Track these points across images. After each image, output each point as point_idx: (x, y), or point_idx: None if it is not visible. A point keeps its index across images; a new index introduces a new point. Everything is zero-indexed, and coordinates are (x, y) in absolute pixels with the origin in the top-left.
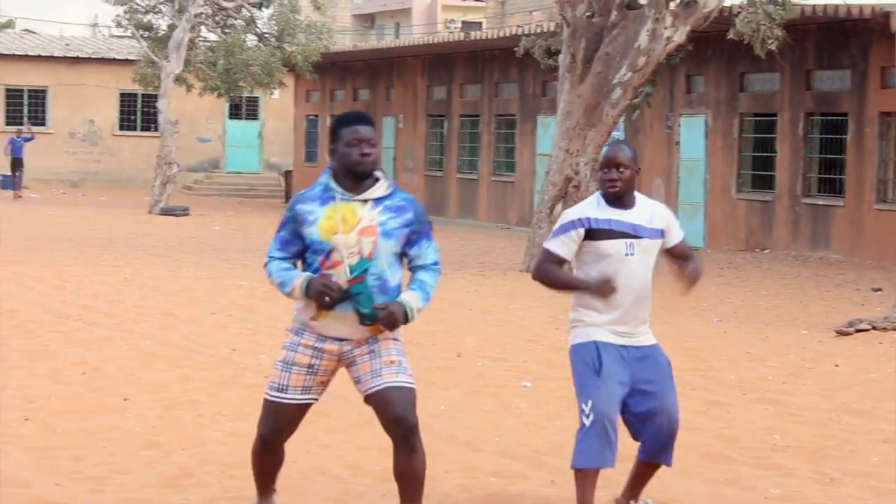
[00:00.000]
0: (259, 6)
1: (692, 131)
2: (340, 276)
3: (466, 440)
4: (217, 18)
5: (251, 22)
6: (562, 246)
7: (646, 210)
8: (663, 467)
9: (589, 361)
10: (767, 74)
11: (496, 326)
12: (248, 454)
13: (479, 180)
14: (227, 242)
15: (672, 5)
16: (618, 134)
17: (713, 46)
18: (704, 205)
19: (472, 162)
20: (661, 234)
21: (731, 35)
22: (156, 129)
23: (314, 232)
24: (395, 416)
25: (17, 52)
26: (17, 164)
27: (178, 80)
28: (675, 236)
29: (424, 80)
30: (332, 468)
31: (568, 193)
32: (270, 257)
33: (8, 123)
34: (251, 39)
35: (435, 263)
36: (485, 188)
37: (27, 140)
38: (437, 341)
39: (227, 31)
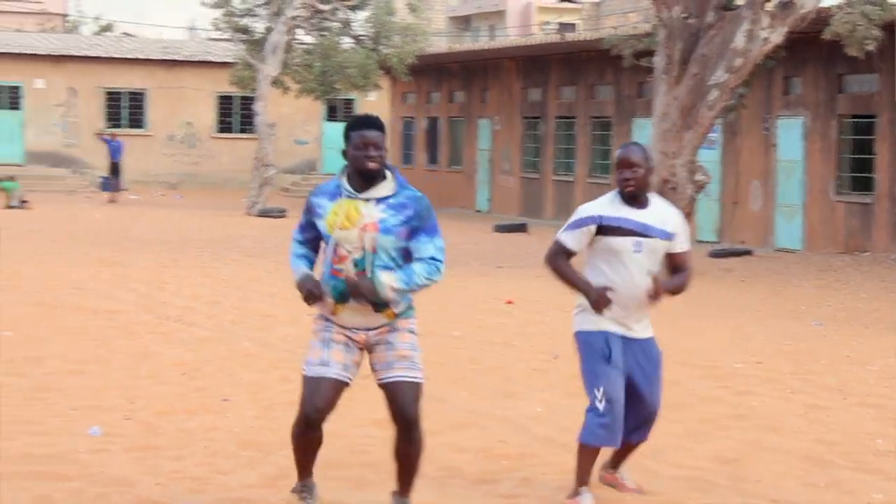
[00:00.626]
0: (355, 9)
1: (790, 133)
2: (349, 270)
3: (563, 442)
4: (313, 21)
5: (347, 24)
6: (573, 239)
7: (659, 212)
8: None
9: (598, 349)
10: (866, 76)
11: None
12: (344, 455)
13: (574, 182)
14: None
15: (769, 6)
16: (715, 136)
17: (811, 47)
18: (803, 207)
19: (567, 164)
20: (671, 237)
21: (826, 35)
22: (253, 132)
23: (322, 225)
24: (401, 410)
25: (116, 56)
26: (115, 168)
27: (275, 82)
28: (681, 245)
29: (520, 81)
30: (429, 470)
31: (664, 195)
32: (294, 239)
33: (108, 126)
34: (347, 42)
35: (432, 258)
36: (581, 190)
37: (114, 145)
38: (533, 343)
39: (323, 33)
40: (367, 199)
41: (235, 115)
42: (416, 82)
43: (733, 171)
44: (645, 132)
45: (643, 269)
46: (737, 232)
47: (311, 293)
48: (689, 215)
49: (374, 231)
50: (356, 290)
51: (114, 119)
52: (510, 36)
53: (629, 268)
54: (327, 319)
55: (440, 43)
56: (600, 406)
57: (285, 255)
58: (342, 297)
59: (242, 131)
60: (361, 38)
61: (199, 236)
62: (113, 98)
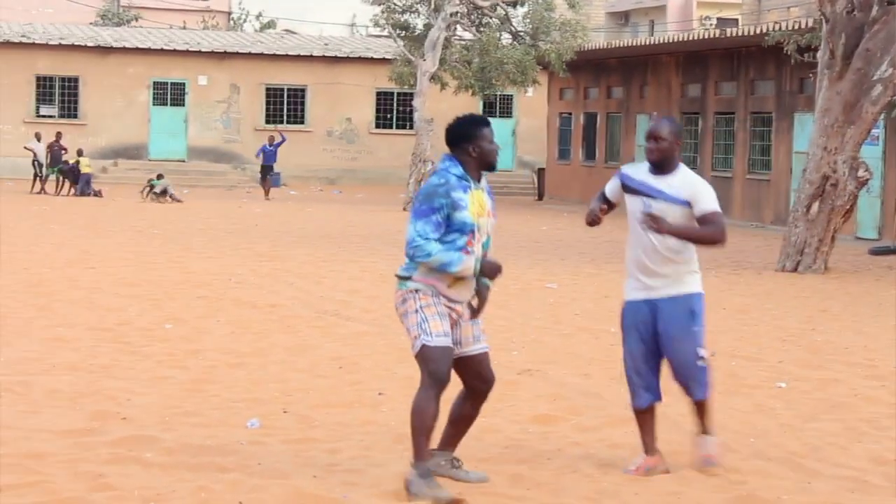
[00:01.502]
0: (514, 5)
1: None
2: (477, 252)
3: (720, 440)
4: (472, 17)
5: (506, 20)
6: (609, 188)
7: (678, 181)
8: None
9: (622, 322)
10: None
11: (750, 326)
12: (501, 451)
13: (733, 178)
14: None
15: None
16: (877, 132)
17: None
18: None
19: (726, 159)
20: (686, 204)
21: None
22: (411, 127)
23: (466, 216)
24: (488, 376)
25: (277, 52)
26: (266, 170)
27: (434, 78)
28: (702, 208)
29: (679, 77)
30: (584, 466)
31: (825, 192)
32: (427, 238)
33: (268, 122)
34: (506, 38)
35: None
36: (740, 186)
37: (279, 144)
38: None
39: (481, 29)
40: (482, 189)
41: (394, 111)
42: (573, 78)
43: None
44: (806, 128)
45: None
46: None
47: (498, 270)
48: (849, 212)
49: (491, 216)
50: (500, 270)
51: (274, 115)
52: (669, 31)
53: (639, 227)
54: (435, 295)
55: (599, 38)
56: (626, 373)
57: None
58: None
59: (400, 127)
60: (520, 33)
61: (357, 231)
62: (274, 94)
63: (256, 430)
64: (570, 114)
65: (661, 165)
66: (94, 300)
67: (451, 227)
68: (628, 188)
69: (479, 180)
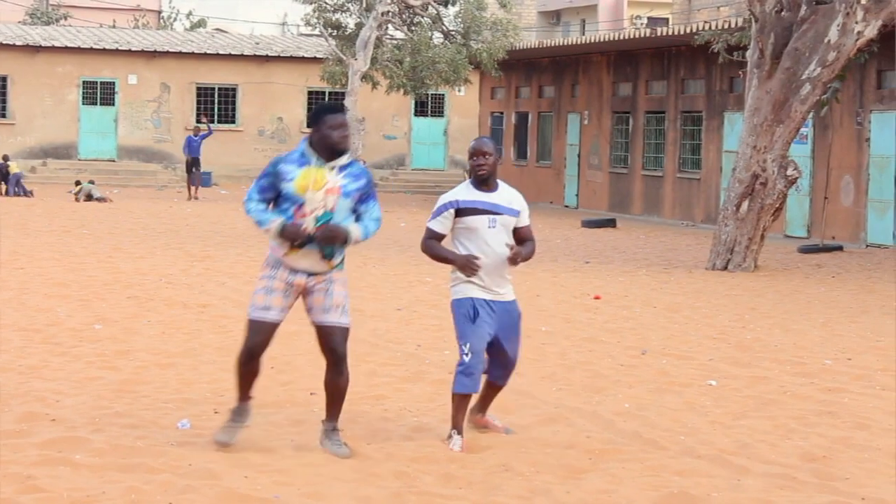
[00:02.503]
0: (445, 4)
1: (883, 128)
2: (309, 223)
3: (651, 438)
4: (404, 16)
5: (437, 20)
6: (439, 224)
7: (506, 194)
8: None
9: (465, 313)
10: None
11: (681, 324)
12: (433, 450)
13: (664, 177)
14: (412, 239)
15: (863, 0)
16: (806, 131)
17: None
18: (895, 203)
19: (657, 159)
20: (517, 214)
21: None
22: None
23: (289, 187)
24: (332, 348)
25: (208, 51)
26: (193, 163)
27: (365, 77)
28: (524, 220)
29: (610, 76)
30: (516, 465)
31: (755, 190)
32: (250, 198)
33: (198, 121)
34: (437, 37)
35: (377, 219)
36: (670, 185)
37: (204, 136)
38: (621, 339)
39: (413, 28)
40: (331, 168)
41: None
42: (505, 77)
43: (824, 166)
44: (736, 127)
45: (499, 241)
46: (827, 227)
47: (296, 234)
48: (779, 210)
49: (336, 194)
50: (331, 234)
51: (205, 114)
52: (601, 31)
53: (487, 241)
54: (274, 266)
55: (530, 38)
56: (466, 359)
57: (373, 249)
58: (301, 244)
59: None
60: (451, 33)
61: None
62: (205, 93)
63: (187, 431)
64: (502, 113)
65: (487, 181)
66: (23, 300)
67: (283, 197)
68: (466, 210)
69: (327, 160)
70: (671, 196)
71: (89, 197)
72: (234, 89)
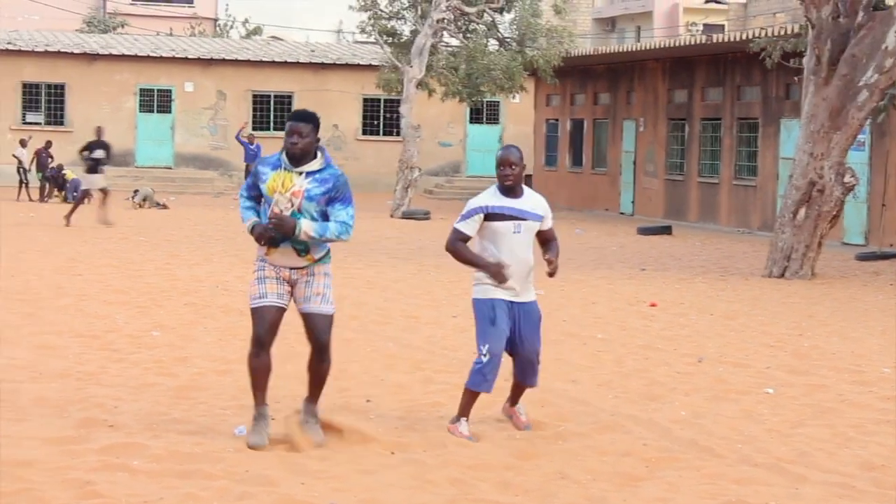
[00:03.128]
0: (501, 11)
1: None
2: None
3: (708, 446)
4: (459, 24)
5: (493, 27)
6: (468, 227)
7: (530, 199)
8: None
9: (486, 314)
10: None
11: (738, 332)
12: (489, 457)
13: (720, 184)
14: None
15: None
16: (863, 137)
17: None
18: None
19: (713, 166)
20: (541, 218)
21: None
22: (398, 134)
23: (263, 188)
24: (315, 336)
25: (264, 59)
26: (248, 171)
27: (421, 85)
28: (548, 224)
29: (665, 83)
30: (572, 472)
31: (812, 198)
32: (241, 195)
33: (255, 128)
34: (492, 44)
35: (344, 222)
36: (726, 192)
37: (248, 145)
38: (677, 346)
39: (468, 35)
40: (300, 172)
41: (381, 118)
42: (560, 84)
43: (882, 173)
44: (793, 133)
45: (523, 245)
46: (885, 235)
47: (261, 235)
48: (836, 217)
49: (300, 197)
50: (279, 225)
51: (261, 122)
52: (656, 37)
53: (512, 245)
54: (262, 261)
55: (585, 45)
56: (484, 359)
57: (429, 255)
58: (274, 242)
59: (387, 134)
60: (507, 40)
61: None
62: (260, 101)
63: (245, 437)
64: (557, 120)
65: (514, 189)
66: (82, 307)
67: (263, 197)
68: (494, 216)
69: (295, 164)
70: (727, 203)
71: (145, 200)
72: (289, 97)
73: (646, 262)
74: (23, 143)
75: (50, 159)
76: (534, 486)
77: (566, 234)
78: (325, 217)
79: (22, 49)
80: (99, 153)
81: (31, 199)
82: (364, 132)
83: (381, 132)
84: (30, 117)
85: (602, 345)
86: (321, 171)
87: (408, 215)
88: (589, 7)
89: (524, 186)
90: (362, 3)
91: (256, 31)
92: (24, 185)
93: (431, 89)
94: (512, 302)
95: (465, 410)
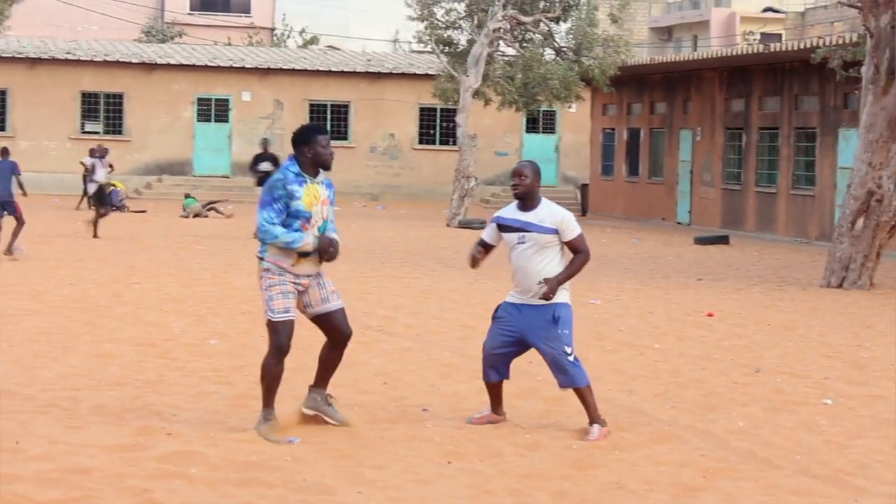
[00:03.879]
0: (557, 20)
1: None
2: (313, 234)
3: (765, 457)
4: (515, 33)
5: (549, 36)
6: (486, 234)
7: (542, 212)
8: None
9: (494, 315)
10: None
11: (795, 342)
12: (546, 467)
13: (777, 194)
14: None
15: None
16: None
17: None
18: None
19: (770, 175)
20: (553, 231)
21: None
22: (454, 143)
23: (300, 205)
24: (342, 328)
25: (321, 68)
26: None
27: (477, 94)
28: (568, 235)
29: (722, 92)
30: (629, 482)
31: (870, 207)
32: (270, 223)
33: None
34: (549, 53)
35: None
36: (784, 202)
37: None
38: (735, 356)
39: (525, 45)
40: (319, 183)
41: (437, 127)
42: (617, 93)
43: None
44: (851, 143)
45: (527, 256)
46: None
47: (332, 245)
48: (894, 227)
49: (326, 205)
50: (332, 247)
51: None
52: (713, 47)
53: (517, 255)
54: (280, 273)
55: (642, 54)
56: (483, 357)
57: (486, 267)
58: (306, 253)
59: (444, 143)
60: (563, 49)
61: (400, 247)
62: (317, 110)
63: (301, 446)
64: (614, 129)
65: (525, 200)
66: (140, 316)
67: (291, 214)
68: (504, 227)
69: (315, 176)
70: (785, 213)
71: (196, 216)
72: (346, 106)
73: (703, 272)
74: (91, 153)
75: (109, 168)
76: (590, 496)
77: (623, 244)
78: None
79: (81, 59)
80: (265, 166)
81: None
82: (420, 141)
83: (438, 141)
84: (89, 126)
85: (659, 355)
86: (325, 179)
87: (464, 225)
88: (645, 16)
89: (544, 200)
90: (419, 13)
91: (313, 40)
92: (86, 194)
93: (488, 98)
94: (521, 305)
95: (494, 405)
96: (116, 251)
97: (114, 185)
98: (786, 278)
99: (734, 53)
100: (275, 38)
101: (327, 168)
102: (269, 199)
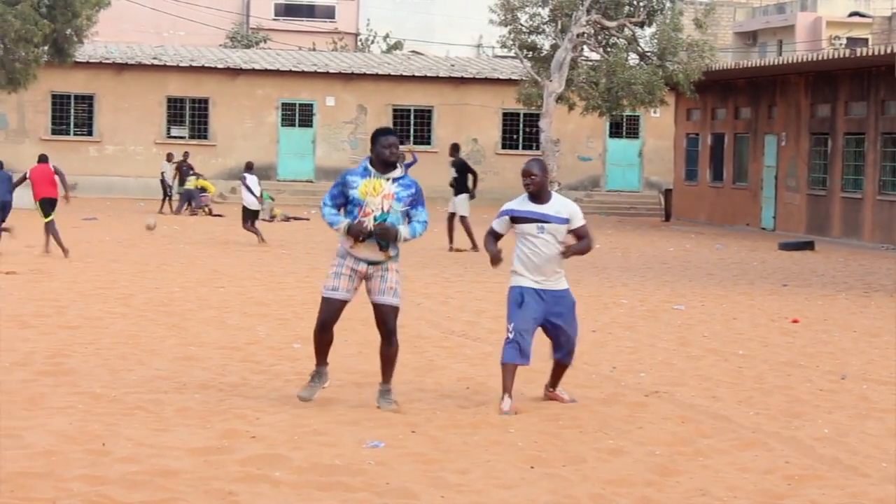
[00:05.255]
0: (641, 25)
1: None
2: (369, 222)
3: (851, 464)
4: (599, 38)
5: (633, 41)
6: (498, 225)
7: (556, 204)
8: None
9: (513, 298)
10: None
11: (881, 349)
12: (629, 472)
13: (863, 199)
14: (606, 261)
15: None
16: None
17: None
18: None
19: (856, 181)
20: (566, 221)
21: None
22: (537, 148)
23: (354, 193)
24: (384, 322)
25: (404, 73)
26: None
27: (561, 99)
28: (577, 223)
29: (808, 97)
30: (714, 489)
31: None
32: (325, 204)
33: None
34: (633, 58)
35: (425, 222)
36: (870, 207)
37: (409, 165)
38: (820, 363)
39: (609, 50)
40: (387, 179)
41: (520, 132)
42: (701, 98)
43: None
44: None
45: (548, 244)
46: None
47: (359, 231)
48: None
49: (390, 199)
50: (384, 231)
51: (401, 136)
52: (798, 51)
53: (536, 243)
54: (343, 256)
55: (726, 59)
56: (511, 335)
57: (569, 270)
58: (362, 238)
59: (527, 147)
60: (647, 54)
61: (483, 252)
62: (400, 115)
63: (384, 451)
64: (698, 134)
65: (538, 196)
66: (224, 319)
67: (349, 202)
68: (519, 219)
69: (384, 172)
70: (871, 218)
71: (272, 218)
72: (429, 111)
73: (788, 277)
74: (169, 158)
75: (191, 171)
76: (674, 502)
77: (707, 249)
78: (403, 217)
79: (167, 64)
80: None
81: (173, 213)
82: (503, 146)
83: (521, 146)
84: (174, 131)
85: (743, 361)
86: (403, 178)
87: None
88: (730, 21)
89: (554, 194)
90: (503, 18)
91: (397, 45)
92: (167, 198)
93: (571, 103)
94: (540, 290)
95: (506, 386)
96: (202, 255)
97: (205, 188)
98: (871, 284)
99: (820, 58)
100: (359, 43)
101: (387, 163)
102: (333, 185)
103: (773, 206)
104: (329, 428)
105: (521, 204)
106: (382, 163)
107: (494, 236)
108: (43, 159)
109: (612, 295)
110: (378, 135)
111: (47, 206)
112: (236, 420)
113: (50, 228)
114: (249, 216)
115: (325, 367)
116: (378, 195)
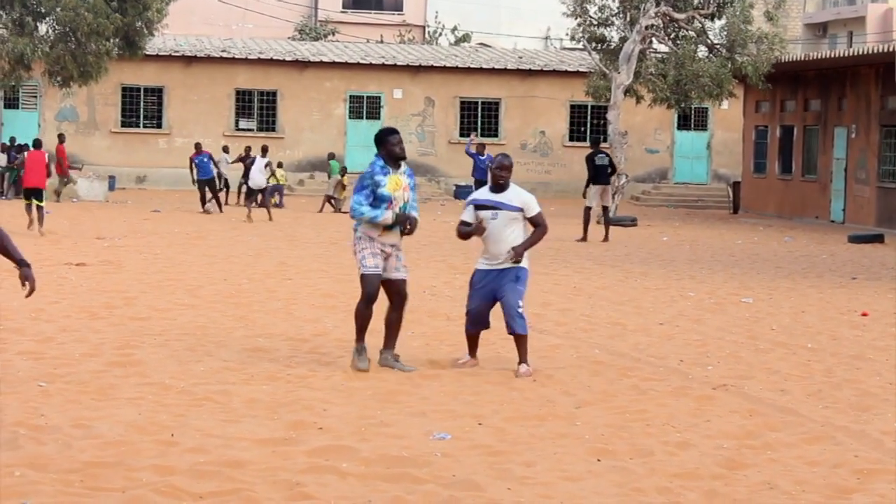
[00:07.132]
0: (711, 17)
1: None
2: (394, 211)
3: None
4: (668, 30)
5: (702, 33)
6: (466, 215)
7: (511, 194)
8: None
9: (471, 281)
10: None
11: None
12: (697, 466)
13: None
14: (674, 253)
15: None
16: None
17: None
18: None
19: None
20: (519, 209)
21: None
22: (605, 140)
23: (384, 191)
24: (400, 292)
25: (472, 66)
26: (477, 185)
27: (629, 91)
28: (531, 211)
29: (878, 89)
30: (782, 483)
31: None
32: (360, 204)
33: (461, 134)
34: (702, 51)
35: (416, 205)
36: None
37: (476, 156)
38: (889, 356)
39: (678, 42)
40: (401, 173)
41: (587, 124)
42: (770, 90)
43: None
44: None
45: (501, 227)
46: None
47: (407, 219)
48: None
49: (407, 191)
50: (412, 221)
51: (468, 128)
52: (869, 43)
53: (491, 228)
54: (370, 240)
55: (796, 50)
56: (466, 313)
57: (635, 262)
58: (391, 226)
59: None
60: (716, 46)
61: (550, 244)
62: (468, 107)
63: (451, 442)
64: (767, 126)
65: (502, 186)
66: (291, 311)
67: (378, 198)
68: (480, 206)
69: (396, 167)
70: None
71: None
72: (497, 103)
73: (857, 270)
74: (225, 150)
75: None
76: (742, 496)
77: (775, 242)
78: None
79: (236, 57)
80: (602, 159)
81: (238, 204)
82: (571, 139)
83: (588, 139)
84: (243, 124)
85: (812, 354)
86: (408, 170)
87: (615, 222)
88: (800, 12)
89: (512, 184)
90: (572, 10)
91: (465, 38)
92: (223, 190)
93: (639, 96)
94: (490, 270)
95: (471, 349)
96: (269, 247)
97: (277, 180)
98: None
99: (891, 50)
100: (427, 35)
101: (401, 159)
102: (360, 186)
103: (843, 198)
104: (396, 419)
105: (482, 193)
106: (394, 159)
107: (465, 225)
108: (37, 145)
109: (679, 288)
110: (385, 135)
111: (36, 194)
112: (304, 411)
113: (41, 211)
114: (252, 194)
115: (364, 344)
116: (400, 189)
